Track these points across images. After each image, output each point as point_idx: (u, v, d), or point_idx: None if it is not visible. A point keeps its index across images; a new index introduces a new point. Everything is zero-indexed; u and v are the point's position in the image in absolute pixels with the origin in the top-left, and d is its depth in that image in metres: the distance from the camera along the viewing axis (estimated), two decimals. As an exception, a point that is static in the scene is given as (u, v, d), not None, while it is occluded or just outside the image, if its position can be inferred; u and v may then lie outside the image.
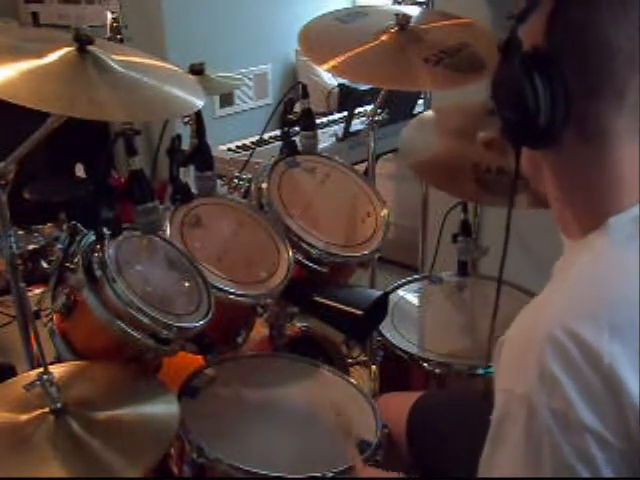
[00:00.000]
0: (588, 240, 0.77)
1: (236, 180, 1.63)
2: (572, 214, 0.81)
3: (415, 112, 2.72)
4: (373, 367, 1.66)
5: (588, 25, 0.73)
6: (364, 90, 2.89)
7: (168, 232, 1.36)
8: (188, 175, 1.55)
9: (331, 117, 3.02)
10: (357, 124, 2.67)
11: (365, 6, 2.93)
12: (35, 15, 3.39)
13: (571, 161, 0.78)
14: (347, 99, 3.15)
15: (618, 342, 0.67)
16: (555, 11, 0.75)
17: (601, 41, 0.72)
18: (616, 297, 0.71)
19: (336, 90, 3.31)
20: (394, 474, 1.09)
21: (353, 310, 1.40)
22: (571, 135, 0.76)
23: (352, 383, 1.36)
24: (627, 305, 0.70)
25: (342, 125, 2.74)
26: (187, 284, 1.29)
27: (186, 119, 1.83)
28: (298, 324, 1.70)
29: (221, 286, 1.33)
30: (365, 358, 1.89)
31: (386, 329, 1.56)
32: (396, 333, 1.56)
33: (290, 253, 1.46)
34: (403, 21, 1.54)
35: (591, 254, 0.75)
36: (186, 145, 1.53)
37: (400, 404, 1.32)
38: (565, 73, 0.73)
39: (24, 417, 1.07)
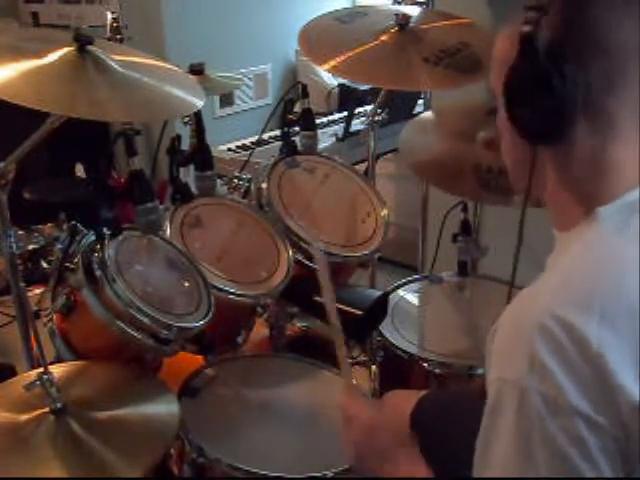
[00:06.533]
0: (578, 230, 0.78)
1: (236, 180, 1.63)
2: (565, 206, 0.81)
3: (415, 112, 2.72)
4: (373, 367, 1.66)
5: (597, 23, 0.74)
6: (364, 90, 2.90)
7: (168, 232, 1.36)
8: (188, 175, 1.55)
9: (331, 117, 3.02)
10: (357, 124, 2.67)
11: (365, 6, 2.94)
12: (35, 15, 3.39)
13: (577, 154, 0.78)
14: (347, 99, 3.15)
15: (608, 329, 0.67)
16: (567, 9, 0.76)
17: (604, 38, 0.74)
18: (608, 286, 0.71)
19: (336, 90, 3.30)
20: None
21: (353, 310, 1.40)
22: (583, 129, 0.76)
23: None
24: (620, 293, 0.70)
25: (342, 125, 2.74)
26: (187, 284, 1.29)
27: (186, 119, 1.83)
28: (298, 324, 1.70)
29: (221, 286, 1.33)
30: (365, 358, 1.88)
31: (386, 329, 1.56)
32: (396, 333, 1.56)
33: (290, 253, 1.46)
34: (403, 21, 1.54)
35: (582, 243, 0.76)
36: (186, 145, 1.53)
37: (406, 402, 1.31)
38: (584, 69, 0.75)
39: (24, 417, 1.07)
